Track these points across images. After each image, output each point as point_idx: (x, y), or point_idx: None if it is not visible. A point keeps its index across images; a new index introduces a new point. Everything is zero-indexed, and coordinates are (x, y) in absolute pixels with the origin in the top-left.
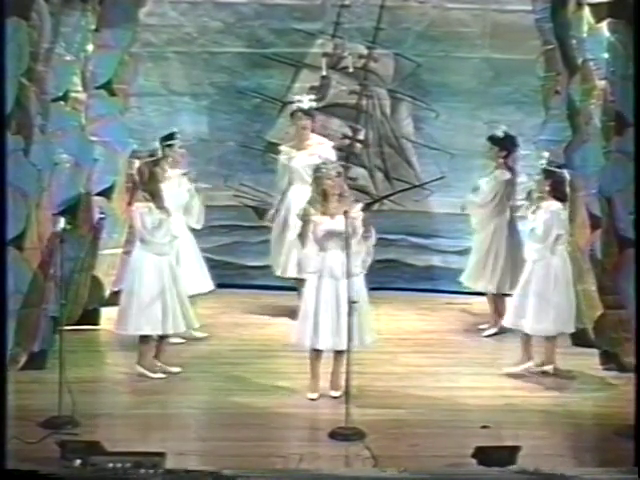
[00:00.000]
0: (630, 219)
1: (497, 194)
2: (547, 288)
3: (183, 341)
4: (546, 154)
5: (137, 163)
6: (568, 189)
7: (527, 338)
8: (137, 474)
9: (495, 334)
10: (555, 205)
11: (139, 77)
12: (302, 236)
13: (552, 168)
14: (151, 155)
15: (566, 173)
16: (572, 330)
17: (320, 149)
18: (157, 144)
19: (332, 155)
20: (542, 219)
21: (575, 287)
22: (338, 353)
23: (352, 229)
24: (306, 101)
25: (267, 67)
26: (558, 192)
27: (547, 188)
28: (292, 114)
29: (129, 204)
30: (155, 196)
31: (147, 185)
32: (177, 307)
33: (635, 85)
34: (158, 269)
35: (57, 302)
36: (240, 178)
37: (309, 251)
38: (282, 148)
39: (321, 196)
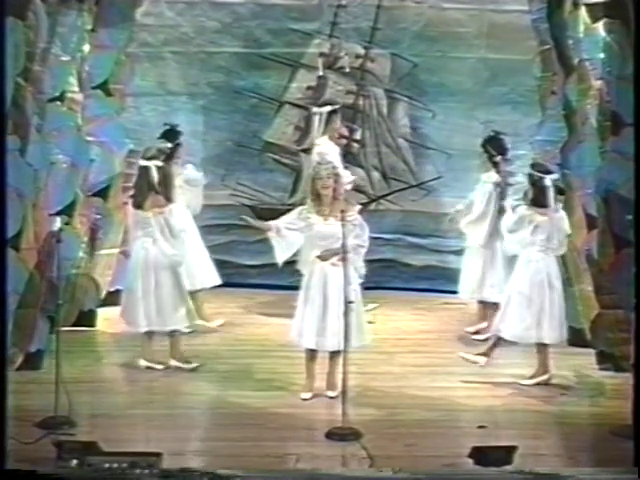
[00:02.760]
0: (626, 219)
1: (489, 198)
2: (537, 295)
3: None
4: (533, 157)
5: (156, 164)
6: (551, 197)
7: (542, 349)
8: (133, 474)
9: (486, 339)
10: (524, 211)
11: (136, 77)
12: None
13: (532, 172)
14: (165, 154)
15: (548, 179)
16: (560, 340)
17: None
18: (166, 143)
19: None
20: (509, 219)
21: (572, 288)
22: (333, 353)
23: (347, 230)
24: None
25: (264, 67)
26: (537, 198)
27: (530, 193)
28: (334, 112)
29: (137, 206)
30: (171, 198)
31: (165, 187)
32: (178, 303)
33: (635, 85)
34: (161, 266)
35: (53, 302)
36: (237, 177)
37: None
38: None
39: (314, 196)
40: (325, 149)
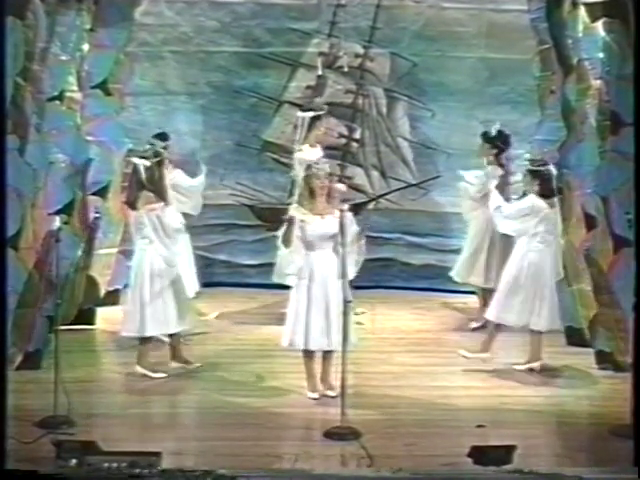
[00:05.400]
0: (625, 218)
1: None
2: (530, 283)
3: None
4: (527, 155)
5: (144, 163)
6: (555, 184)
7: (536, 336)
8: (133, 474)
9: (481, 327)
10: (536, 201)
11: (135, 76)
12: (286, 236)
13: (537, 168)
14: (156, 155)
15: (552, 168)
16: (551, 327)
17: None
18: (159, 144)
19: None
20: (518, 205)
21: (571, 287)
22: (327, 353)
23: (345, 228)
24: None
25: (263, 66)
26: (546, 190)
27: (536, 187)
28: (317, 118)
29: (131, 206)
30: (164, 197)
31: (155, 186)
32: (179, 305)
33: (635, 85)
34: (159, 268)
35: (52, 302)
36: (236, 177)
37: (293, 252)
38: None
39: (309, 195)
40: (306, 156)
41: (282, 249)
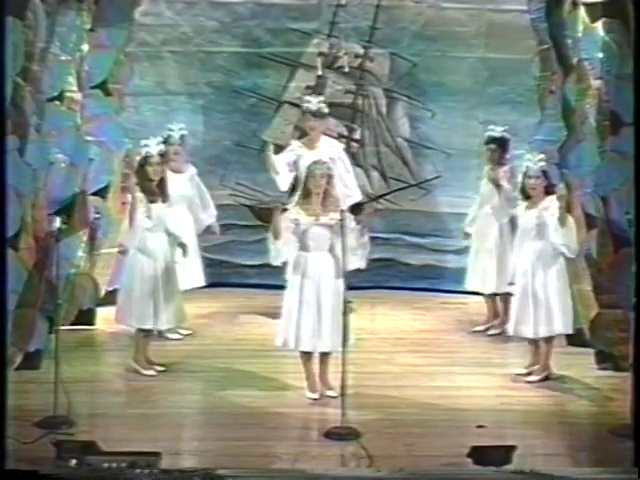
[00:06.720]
0: (625, 218)
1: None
2: (545, 289)
3: (180, 337)
4: (542, 155)
5: (137, 161)
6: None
7: (535, 343)
8: (132, 474)
9: (500, 334)
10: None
11: (135, 77)
12: (275, 227)
13: (547, 168)
14: (150, 153)
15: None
16: (570, 331)
17: (330, 152)
18: (148, 143)
19: (344, 157)
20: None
21: (570, 288)
22: (324, 354)
23: (345, 229)
24: (314, 102)
25: (263, 66)
26: (552, 188)
27: (542, 188)
28: (302, 114)
29: (125, 203)
30: (147, 192)
31: (139, 182)
32: (170, 302)
33: (635, 85)
34: (153, 262)
35: (52, 302)
36: (236, 177)
37: (283, 244)
38: (292, 146)
39: (305, 196)
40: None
41: (272, 240)
